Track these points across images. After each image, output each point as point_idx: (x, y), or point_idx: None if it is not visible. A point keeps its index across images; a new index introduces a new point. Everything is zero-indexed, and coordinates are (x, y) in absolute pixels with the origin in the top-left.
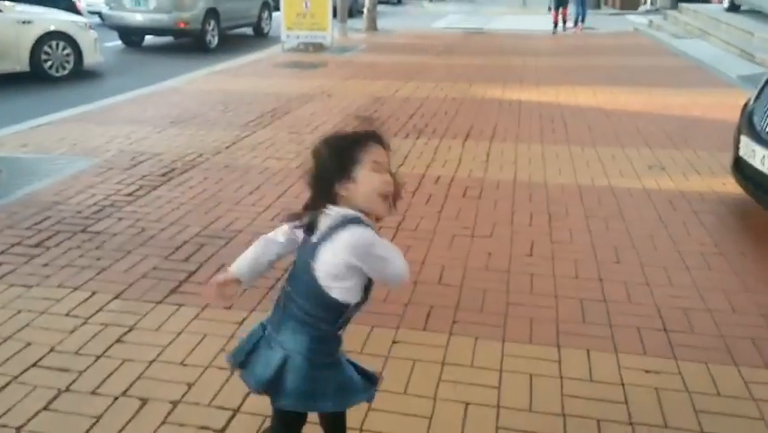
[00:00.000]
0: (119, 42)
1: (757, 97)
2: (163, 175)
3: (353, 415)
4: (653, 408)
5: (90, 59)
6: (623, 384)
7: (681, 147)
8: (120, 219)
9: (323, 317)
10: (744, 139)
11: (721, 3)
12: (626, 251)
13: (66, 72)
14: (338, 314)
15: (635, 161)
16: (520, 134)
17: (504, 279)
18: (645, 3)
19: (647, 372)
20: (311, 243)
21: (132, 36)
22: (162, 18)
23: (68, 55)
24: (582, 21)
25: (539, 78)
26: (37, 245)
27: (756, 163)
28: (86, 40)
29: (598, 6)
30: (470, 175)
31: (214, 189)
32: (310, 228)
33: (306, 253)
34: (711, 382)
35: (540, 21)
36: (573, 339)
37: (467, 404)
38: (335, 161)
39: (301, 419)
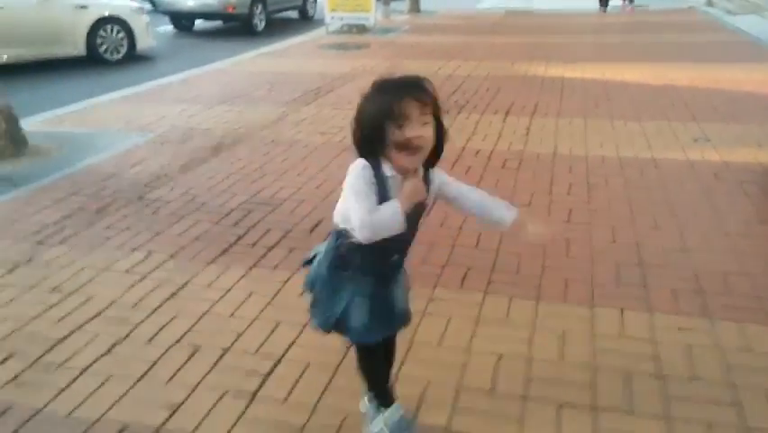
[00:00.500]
0: (170, 27)
1: None
2: (212, 148)
3: None
4: (684, 362)
5: (143, 43)
6: (655, 341)
7: (728, 120)
8: (173, 189)
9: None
10: None
11: None
12: (666, 218)
13: (120, 56)
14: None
15: (681, 134)
16: (562, 110)
17: (540, 244)
18: None
19: (680, 329)
20: None
21: (183, 21)
22: (212, 2)
23: (122, 39)
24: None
25: (584, 56)
26: (98, 211)
27: None
28: (139, 24)
29: None
30: (510, 148)
31: (261, 162)
32: None
33: None
34: (745, 340)
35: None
36: (607, 299)
37: (500, 356)
38: (373, 117)
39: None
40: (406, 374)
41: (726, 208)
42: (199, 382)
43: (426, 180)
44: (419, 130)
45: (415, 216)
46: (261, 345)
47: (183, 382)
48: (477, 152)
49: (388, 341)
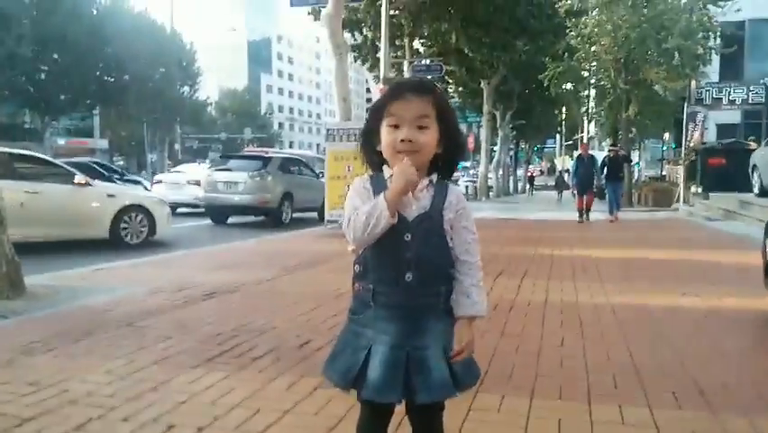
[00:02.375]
0: (208, 221)
1: None
2: (207, 295)
3: None
4: None
5: (162, 230)
6: (657, 426)
7: (715, 283)
8: (163, 319)
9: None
10: None
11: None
12: (661, 344)
13: (139, 241)
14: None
15: (671, 289)
16: (552, 275)
17: (534, 360)
18: (678, 201)
19: (682, 420)
20: None
21: (220, 215)
22: (248, 198)
23: (143, 225)
24: (617, 209)
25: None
26: (85, 333)
27: None
28: (161, 214)
29: (630, 204)
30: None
31: (253, 304)
32: None
33: None
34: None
35: (570, 214)
36: (605, 398)
37: None
38: (369, 117)
39: (373, 411)
40: None
41: (721, 339)
42: None
43: (440, 190)
44: (412, 133)
45: (421, 222)
46: (241, 423)
47: None
48: None
49: (414, 417)
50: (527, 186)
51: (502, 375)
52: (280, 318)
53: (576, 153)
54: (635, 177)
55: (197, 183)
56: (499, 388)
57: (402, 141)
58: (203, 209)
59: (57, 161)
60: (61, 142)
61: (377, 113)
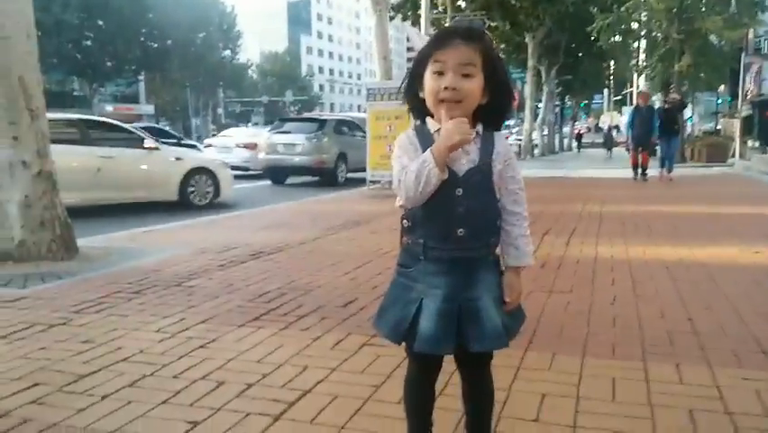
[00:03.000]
0: (268, 182)
1: None
2: (252, 255)
3: None
4: (754, 402)
5: (226, 192)
6: (718, 386)
7: None
8: (210, 279)
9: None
10: None
11: None
12: (719, 300)
13: (206, 202)
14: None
15: (739, 248)
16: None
17: (585, 318)
18: (734, 156)
19: (745, 379)
20: None
21: (279, 175)
22: (306, 159)
23: (209, 187)
24: (669, 168)
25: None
26: (136, 293)
27: None
28: (225, 176)
29: (683, 160)
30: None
31: (298, 264)
32: None
33: None
34: None
35: (621, 172)
36: (661, 356)
37: (543, 395)
38: (414, 63)
39: (423, 365)
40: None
41: None
42: (222, 406)
43: (487, 141)
44: (456, 81)
45: (472, 176)
46: (288, 381)
47: (205, 405)
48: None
49: (465, 369)
50: (575, 143)
51: (552, 333)
52: (325, 278)
53: (629, 107)
54: (688, 131)
55: (246, 146)
56: (550, 346)
57: (446, 88)
58: (253, 172)
59: (127, 126)
60: (109, 108)
61: (423, 58)
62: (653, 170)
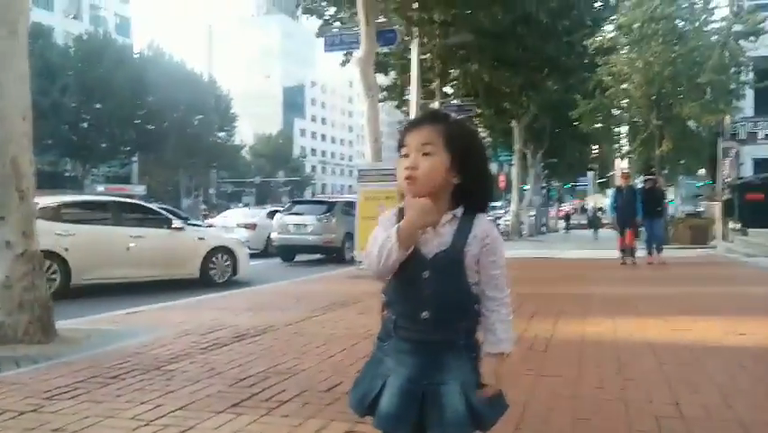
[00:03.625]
0: (278, 260)
1: None
2: (236, 337)
3: None
4: None
5: (244, 269)
6: None
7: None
8: (192, 362)
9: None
10: None
11: None
12: (705, 384)
13: (224, 279)
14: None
15: (721, 330)
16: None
17: (572, 403)
18: (715, 237)
19: None
20: None
21: (289, 253)
22: (316, 238)
23: (227, 266)
24: (659, 248)
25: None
26: (113, 377)
27: None
28: (243, 254)
29: (666, 242)
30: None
31: (283, 346)
32: None
33: None
34: None
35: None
36: None
37: None
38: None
39: None
40: None
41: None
42: None
43: (464, 224)
44: (415, 160)
45: (440, 259)
46: None
47: None
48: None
49: None
50: (563, 223)
51: (539, 419)
52: (310, 360)
53: (610, 190)
54: (670, 213)
55: (246, 226)
56: (538, 432)
57: (406, 168)
58: (254, 250)
59: (155, 208)
60: (101, 188)
61: (398, 145)
62: (642, 252)
